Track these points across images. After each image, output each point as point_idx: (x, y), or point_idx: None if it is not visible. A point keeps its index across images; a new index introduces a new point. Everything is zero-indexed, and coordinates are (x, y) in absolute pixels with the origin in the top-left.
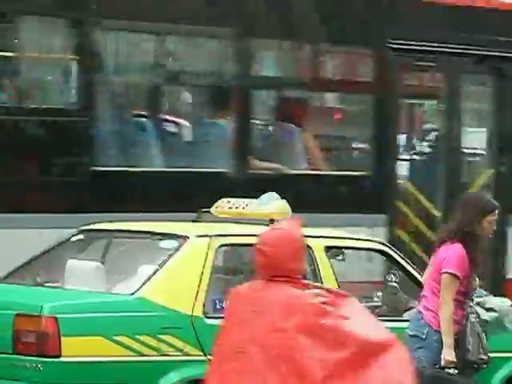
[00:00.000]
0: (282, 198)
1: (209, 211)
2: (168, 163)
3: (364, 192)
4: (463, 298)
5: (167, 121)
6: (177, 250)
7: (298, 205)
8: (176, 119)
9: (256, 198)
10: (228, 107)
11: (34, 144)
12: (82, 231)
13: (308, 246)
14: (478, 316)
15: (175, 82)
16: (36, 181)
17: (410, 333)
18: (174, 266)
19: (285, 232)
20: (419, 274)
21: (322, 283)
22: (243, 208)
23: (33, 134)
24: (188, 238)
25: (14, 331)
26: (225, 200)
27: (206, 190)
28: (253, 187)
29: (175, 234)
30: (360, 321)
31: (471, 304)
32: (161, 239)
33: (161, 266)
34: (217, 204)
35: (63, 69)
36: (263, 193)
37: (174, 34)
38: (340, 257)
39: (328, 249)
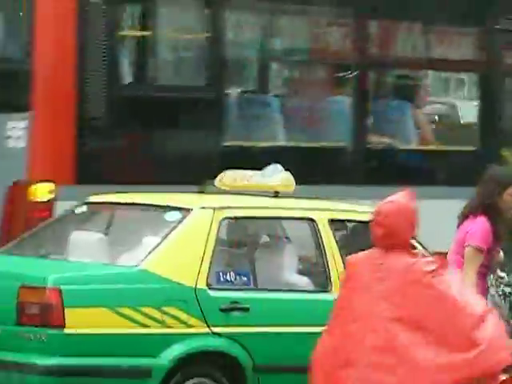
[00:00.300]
0: (396, 172)
1: (213, 184)
2: (290, 138)
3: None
4: (486, 270)
5: (290, 98)
6: (180, 222)
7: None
8: (298, 96)
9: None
10: (347, 84)
11: (169, 120)
12: (85, 203)
13: (311, 218)
14: (501, 289)
15: (300, 60)
16: (166, 154)
17: None
18: (178, 238)
19: (402, 204)
20: (421, 245)
21: (326, 255)
22: (247, 180)
23: (167, 110)
24: (192, 210)
25: (18, 302)
26: (229, 172)
27: (325, 164)
28: (370, 161)
29: (179, 207)
30: (458, 289)
31: (493, 276)
32: (164, 211)
33: (164, 238)
34: (220, 176)
35: (196, 47)
36: (379, 167)
37: (299, 14)
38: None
39: (332, 222)
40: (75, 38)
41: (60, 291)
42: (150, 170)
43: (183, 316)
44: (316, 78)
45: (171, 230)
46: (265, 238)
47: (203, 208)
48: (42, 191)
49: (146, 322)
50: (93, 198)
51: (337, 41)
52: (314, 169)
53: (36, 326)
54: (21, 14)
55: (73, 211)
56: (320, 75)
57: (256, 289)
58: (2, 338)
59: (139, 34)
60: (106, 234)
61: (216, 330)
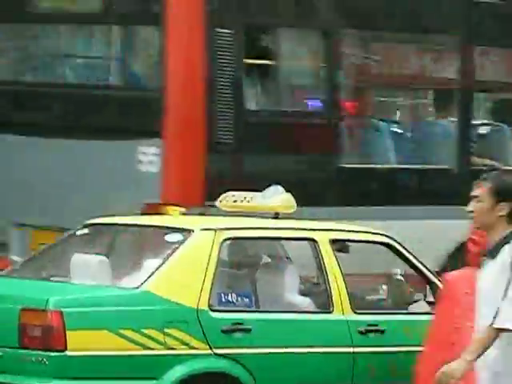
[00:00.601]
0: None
1: (214, 205)
2: (398, 160)
3: None
4: None
5: (397, 122)
6: (182, 243)
7: None
8: (404, 120)
9: None
10: (450, 108)
11: (291, 143)
12: (87, 225)
13: (313, 239)
14: None
15: (408, 86)
16: (287, 176)
17: None
18: (179, 260)
19: None
20: (424, 266)
21: (328, 276)
22: (248, 201)
23: (289, 134)
24: (193, 231)
25: (20, 325)
26: (230, 193)
27: (432, 185)
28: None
29: (180, 228)
30: None
31: None
32: (166, 233)
33: (166, 259)
34: (221, 197)
35: (313, 75)
36: None
37: (407, 42)
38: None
39: (333, 242)
40: (204, 67)
41: (61, 314)
42: None
43: (185, 337)
44: (422, 103)
45: (173, 252)
46: (266, 259)
47: (204, 229)
48: (172, 212)
49: (148, 343)
50: (94, 220)
51: (443, 67)
52: (422, 190)
53: (38, 349)
54: (152, 44)
55: (74, 233)
56: (426, 100)
57: (258, 310)
58: (4, 361)
59: (264, 62)
60: (107, 256)
61: (218, 351)
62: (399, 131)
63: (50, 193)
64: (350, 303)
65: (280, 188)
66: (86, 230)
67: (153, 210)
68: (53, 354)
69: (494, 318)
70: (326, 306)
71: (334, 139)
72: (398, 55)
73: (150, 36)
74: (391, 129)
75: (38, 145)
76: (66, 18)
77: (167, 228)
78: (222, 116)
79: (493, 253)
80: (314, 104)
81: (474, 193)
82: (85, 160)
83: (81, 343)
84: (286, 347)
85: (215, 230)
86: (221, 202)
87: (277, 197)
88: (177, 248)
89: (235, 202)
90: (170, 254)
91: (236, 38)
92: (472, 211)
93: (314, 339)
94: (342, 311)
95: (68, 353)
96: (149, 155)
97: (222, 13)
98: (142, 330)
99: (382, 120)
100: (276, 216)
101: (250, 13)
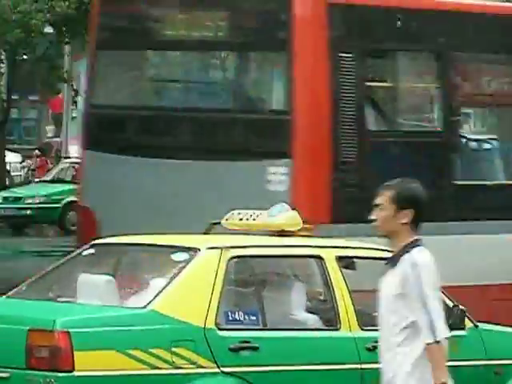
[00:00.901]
0: None
1: (219, 223)
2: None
3: None
4: None
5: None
6: (188, 262)
7: None
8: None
9: None
10: None
11: (407, 161)
12: (93, 245)
13: (320, 256)
14: None
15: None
16: None
17: None
18: (186, 279)
19: None
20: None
21: (334, 293)
22: (254, 219)
23: (406, 153)
24: (199, 250)
25: (27, 346)
26: (235, 212)
27: None
28: None
29: (186, 247)
30: None
31: None
32: (172, 252)
33: (172, 278)
34: (227, 216)
35: (428, 96)
36: None
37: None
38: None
39: (340, 259)
40: (329, 92)
41: (69, 334)
42: None
43: (193, 356)
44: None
45: (179, 271)
46: (273, 277)
47: (210, 248)
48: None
49: (156, 363)
50: (100, 240)
51: None
52: None
53: (45, 370)
54: (280, 70)
55: (80, 253)
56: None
57: (265, 328)
58: (11, 382)
59: (383, 84)
60: (113, 276)
61: (226, 369)
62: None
63: (182, 209)
64: (357, 320)
65: (286, 205)
66: (92, 250)
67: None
68: (60, 374)
69: (432, 333)
70: (333, 323)
71: (448, 157)
72: (509, 76)
73: (278, 61)
74: (502, 147)
75: (169, 166)
76: (193, 45)
77: (173, 247)
78: (345, 137)
79: (393, 261)
80: (429, 124)
81: (377, 201)
82: (214, 180)
83: (89, 363)
84: (294, 365)
85: (221, 249)
86: (227, 219)
87: (282, 214)
88: (183, 267)
89: (241, 219)
90: (177, 274)
91: (358, 62)
92: (375, 219)
93: (322, 356)
94: (350, 328)
95: (76, 373)
96: (278, 175)
97: (345, 38)
98: (150, 350)
99: (493, 139)
100: (281, 233)
101: (370, 38)
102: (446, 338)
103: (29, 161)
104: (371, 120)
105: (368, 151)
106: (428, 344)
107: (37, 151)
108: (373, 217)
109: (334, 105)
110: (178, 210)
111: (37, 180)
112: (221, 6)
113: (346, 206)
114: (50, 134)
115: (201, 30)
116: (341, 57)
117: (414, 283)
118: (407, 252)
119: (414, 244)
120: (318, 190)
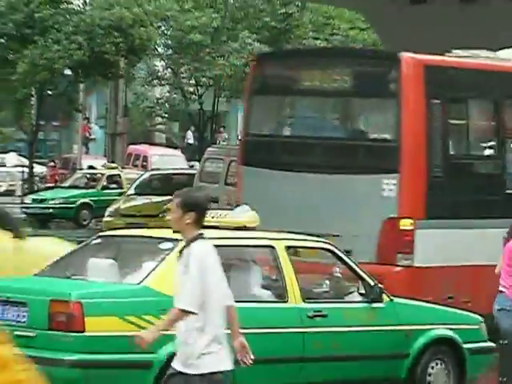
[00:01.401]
0: None
1: None
2: None
3: None
4: None
5: None
6: (172, 250)
7: None
8: None
9: None
10: None
11: (473, 177)
12: (99, 236)
13: (272, 246)
14: None
15: None
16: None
17: (498, 307)
18: (170, 262)
19: None
20: (357, 266)
21: (284, 274)
22: (222, 217)
23: (472, 171)
24: (181, 240)
25: (49, 312)
26: (208, 211)
27: None
28: None
29: (170, 238)
30: None
31: None
32: (159, 242)
33: (160, 262)
34: None
35: (488, 131)
36: None
37: None
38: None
39: (288, 248)
40: (425, 127)
41: (81, 304)
42: (467, 208)
43: None
44: None
45: (165, 256)
46: (236, 261)
47: None
48: (406, 224)
49: (147, 326)
50: (105, 233)
51: None
52: None
53: (63, 331)
54: (393, 113)
55: (89, 243)
56: None
57: None
58: (38, 340)
59: (458, 122)
60: (115, 260)
61: None
62: None
63: (317, 211)
64: (301, 294)
65: (246, 207)
66: (99, 240)
67: (392, 222)
68: (74, 334)
69: (180, 302)
70: (282, 297)
71: (502, 173)
72: None
73: (390, 106)
74: None
75: (307, 178)
76: (326, 93)
77: (161, 238)
78: (435, 158)
79: (181, 252)
80: (490, 150)
81: (168, 206)
82: (343, 188)
83: (96, 326)
84: (252, 328)
85: None
86: None
87: (244, 214)
88: (168, 254)
89: (213, 217)
90: (163, 258)
91: (444, 106)
92: (170, 220)
93: (274, 322)
94: (295, 300)
95: (86, 333)
96: (390, 185)
97: (435, 89)
98: (143, 316)
99: None
100: (244, 229)
101: (452, 89)
102: (184, 311)
103: (44, 169)
104: (452, 147)
105: (450, 168)
106: (181, 310)
107: (52, 163)
108: (167, 218)
109: (428, 136)
110: (314, 211)
111: (48, 185)
112: (349, 69)
113: (436, 207)
114: (76, 151)
115: (331, 82)
116: (432, 103)
117: (191, 267)
118: (189, 244)
119: (196, 238)
120: (418, 196)
